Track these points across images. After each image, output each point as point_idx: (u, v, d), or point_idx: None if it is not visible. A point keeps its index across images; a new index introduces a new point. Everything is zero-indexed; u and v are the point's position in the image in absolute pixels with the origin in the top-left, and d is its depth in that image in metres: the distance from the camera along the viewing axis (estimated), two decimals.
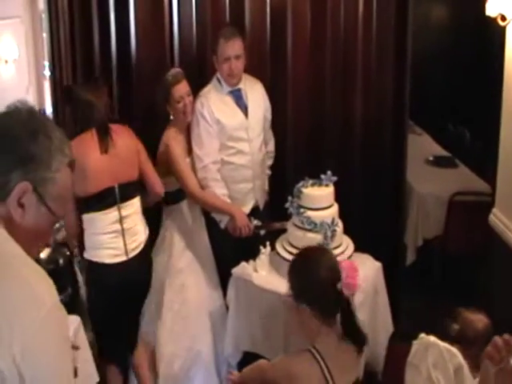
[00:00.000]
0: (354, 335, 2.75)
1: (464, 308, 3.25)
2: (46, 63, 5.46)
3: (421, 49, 5.60)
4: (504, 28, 3.84)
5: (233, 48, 3.97)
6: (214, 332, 4.04)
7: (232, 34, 3.97)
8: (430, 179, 5.68)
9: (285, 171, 4.49)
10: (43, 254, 3.94)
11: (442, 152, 6.41)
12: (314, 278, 2.74)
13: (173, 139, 4.00)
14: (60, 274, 3.97)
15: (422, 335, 3.12)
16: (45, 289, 1.58)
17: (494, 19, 3.76)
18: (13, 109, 1.66)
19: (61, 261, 4.06)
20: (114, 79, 4.47)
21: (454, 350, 3.03)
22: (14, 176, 1.60)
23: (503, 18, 3.69)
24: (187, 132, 4.09)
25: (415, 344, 3.12)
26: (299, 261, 2.93)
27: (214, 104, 4.06)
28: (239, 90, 4.15)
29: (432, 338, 3.08)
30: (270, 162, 4.45)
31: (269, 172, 4.45)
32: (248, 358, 3.82)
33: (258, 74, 4.36)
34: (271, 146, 4.43)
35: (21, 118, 1.65)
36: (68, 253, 4.17)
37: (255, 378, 2.87)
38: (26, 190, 1.61)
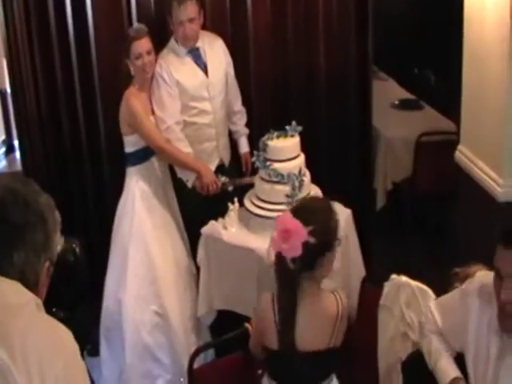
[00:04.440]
0: None
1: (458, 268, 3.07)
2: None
3: None
4: None
5: (185, 11, 3.93)
6: (182, 296, 4.01)
7: None
8: (396, 123, 5.68)
9: (250, 125, 4.47)
10: None
11: (407, 96, 6.41)
12: None
13: (134, 96, 3.95)
14: None
15: (394, 276, 3.11)
16: (66, 335, 1.63)
17: None
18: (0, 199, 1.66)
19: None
20: (71, 47, 4.42)
21: (426, 287, 3.05)
22: (41, 261, 1.67)
23: None
24: (149, 93, 4.05)
25: (386, 286, 3.11)
26: None
27: (173, 65, 4.03)
28: (197, 49, 4.11)
29: (404, 278, 3.07)
30: (243, 121, 4.43)
31: (246, 130, 4.43)
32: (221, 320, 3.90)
33: (218, 29, 4.34)
34: (239, 105, 4.40)
35: (17, 205, 1.66)
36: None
37: (256, 341, 2.92)
38: (49, 267, 1.69)
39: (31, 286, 1.65)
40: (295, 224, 2.64)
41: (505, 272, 2.22)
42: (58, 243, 1.73)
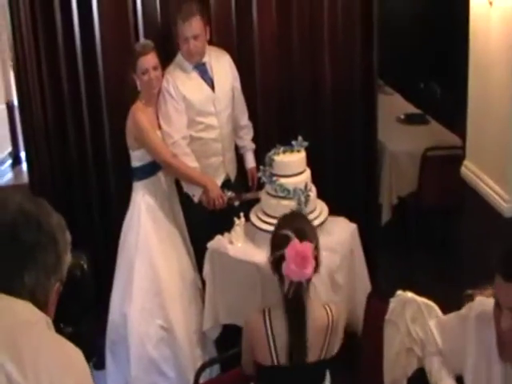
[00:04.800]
0: None
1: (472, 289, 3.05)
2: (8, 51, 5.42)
3: (387, 7, 5.59)
4: None
5: (190, 28, 3.95)
6: (187, 309, 4.02)
7: (189, 13, 3.94)
8: (402, 137, 5.69)
9: (256, 140, 4.48)
10: None
11: (413, 110, 6.41)
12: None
13: (141, 111, 3.97)
14: None
15: (399, 292, 3.11)
16: (76, 354, 1.64)
17: None
18: (13, 220, 1.66)
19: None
20: (78, 61, 4.44)
21: (432, 303, 3.06)
22: (52, 282, 1.68)
23: None
24: (156, 108, 4.07)
25: (392, 301, 3.11)
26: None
27: (180, 80, 4.05)
28: (204, 65, 4.14)
29: (409, 294, 3.07)
30: (250, 135, 4.44)
31: (253, 145, 4.45)
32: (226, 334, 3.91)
33: (223, 41, 4.37)
34: (245, 120, 4.41)
35: (30, 226, 1.66)
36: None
37: (247, 358, 2.96)
38: (59, 287, 1.71)
39: (41, 305, 1.66)
40: (309, 248, 2.71)
41: (504, 305, 2.18)
42: (68, 263, 1.74)
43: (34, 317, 1.62)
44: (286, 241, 2.72)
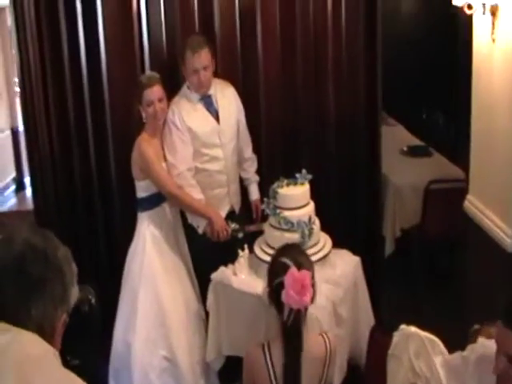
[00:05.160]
0: None
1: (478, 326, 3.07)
2: (16, 80, 5.48)
3: (390, 40, 5.63)
4: (471, 16, 3.91)
5: (199, 60, 3.98)
6: (191, 340, 4.02)
7: (198, 45, 3.98)
8: (405, 169, 5.70)
9: (260, 172, 4.51)
10: None
11: (416, 142, 6.43)
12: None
13: (146, 142, 3.99)
14: None
15: (403, 326, 3.10)
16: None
17: (461, 8, 3.82)
18: (20, 253, 1.69)
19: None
20: (85, 90, 4.50)
21: (435, 338, 3.05)
22: (58, 314, 1.71)
23: (469, 7, 3.75)
24: (161, 139, 4.10)
25: (396, 335, 3.10)
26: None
27: (185, 112, 4.09)
28: (209, 97, 4.17)
29: (413, 329, 3.06)
30: (254, 168, 4.47)
31: (257, 177, 4.48)
32: (229, 365, 3.89)
33: (229, 76, 4.40)
34: (250, 153, 4.44)
35: (37, 259, 1.68)
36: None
37: None
38: (66, 318, 1.73)
39: (48, 336, 1.68)
40: (307, 275, 2.73)
41: (500, 349, 2.21)
42: (75, 294, 1.76)
43: (42, 349, 1.63)
44: (285, 268, 2.76)
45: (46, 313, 1.67)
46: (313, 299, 2.82)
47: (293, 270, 2.74)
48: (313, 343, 2.83)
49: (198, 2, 4.43)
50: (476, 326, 2.91)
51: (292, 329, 2.76)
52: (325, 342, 2.85)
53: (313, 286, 2.80)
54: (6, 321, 1.63)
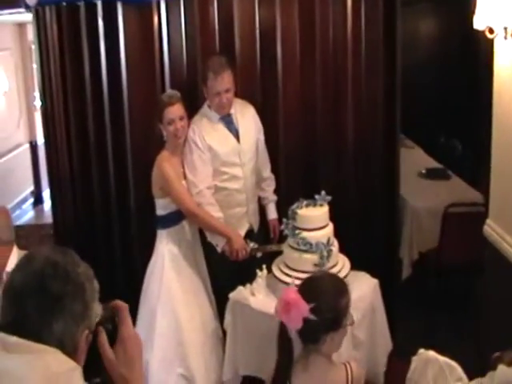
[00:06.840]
0: None
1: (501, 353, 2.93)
2: (37, 94, 5.56)
3: (410, 63, 5.64)
4: (492, 40, 3.89)
5: (222, 83, 4.01)
6: (208, 359, 4.03)
7: (221, 67, 4.00)
8: (423, 192, 5.70)
9: (279, 192, 4.52)
10: None
11: (434, 164, 6.43)
12: None
13: (166, 161, 4.02)
14: None
15: (421, 351, 3.09)
16: None
17: (482, 32, 3.79)
18: (41, 270, 1.70)
19: None
20: (105, 107, 4.54)
21: (454, 363, 3.03)
22: (80, 330, 1.70)
23: (491, 31, 3.72)
24: (181, 157, 4.12)
25: (414, 360, 3.09)
26: None
27: (206, 131, 4.11)
28: (230, 116, 4.20)
29: (431, 353, 3.05)
30: (272, 187, 4.48)
31: (275, 197, 4.48)
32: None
33: (248, 96, 4.42)
34: (268, 172, 4.46)
35: (57, 276, 1.70)
36: None
37: None
38: (88, 335, 1.73)
39: (70, 353, 1.68)
40: (296, 299, 2.73)
41: None
42: (97, 311, 1.76)
43: (65, 366, 1.64)
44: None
45: (66, 329, 1.68)
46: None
47: (290, 287, 2.82)
48: (332, 373, 2.77)
49: (218, 22, 4.47)
50: (497, 354, 2.87)
51: (281, 341, 2.79)
52: (346, 371, 2.79)
53: (305, 319, 2.70)
54: (28, 337, 1.64)
